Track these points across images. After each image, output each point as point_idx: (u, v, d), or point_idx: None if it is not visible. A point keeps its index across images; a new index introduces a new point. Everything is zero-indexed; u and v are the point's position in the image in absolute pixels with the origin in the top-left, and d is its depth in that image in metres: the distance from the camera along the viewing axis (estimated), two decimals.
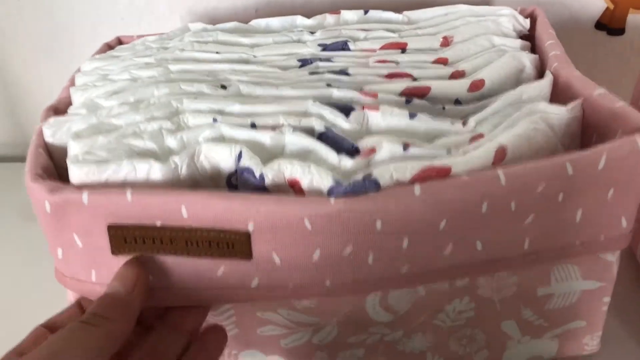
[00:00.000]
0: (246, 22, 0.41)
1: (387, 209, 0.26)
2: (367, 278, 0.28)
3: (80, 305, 0.30)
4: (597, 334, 0.35)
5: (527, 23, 0.40)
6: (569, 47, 0.53)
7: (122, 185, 0.27)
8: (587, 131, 0.32)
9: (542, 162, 0.27)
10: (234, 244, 0.27)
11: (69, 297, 0.32)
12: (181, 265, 0.28)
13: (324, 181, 0.26)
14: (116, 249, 0.28)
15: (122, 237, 0.27)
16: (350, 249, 0.27)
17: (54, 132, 0.31)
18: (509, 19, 0.40)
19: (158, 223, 0.27)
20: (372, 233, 0.26)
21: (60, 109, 0.35)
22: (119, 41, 0.45)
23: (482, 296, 0.33)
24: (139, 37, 0.44)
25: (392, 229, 0.26)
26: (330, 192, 0.26)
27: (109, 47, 0.43)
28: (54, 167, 0.31)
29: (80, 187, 0.27)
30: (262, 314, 0.32)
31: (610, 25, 0.52)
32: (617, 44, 0.53)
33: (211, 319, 0.32)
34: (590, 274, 0.33)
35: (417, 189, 0.26)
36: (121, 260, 0.28)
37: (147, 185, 0.28)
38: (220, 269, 0.28)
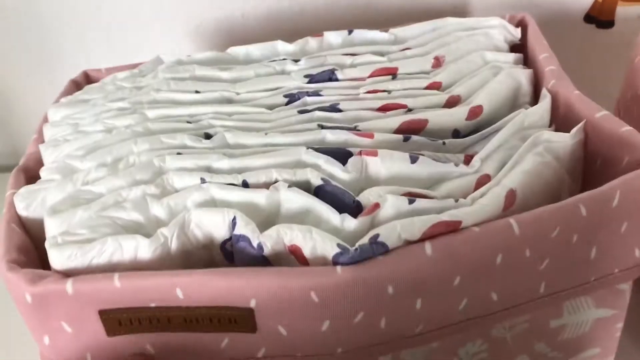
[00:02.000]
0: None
1: (398, 273, 0.24)
2: (380, 341, 0.27)
3: None
4: (610, 359, 0.35)
5: (518, 32, 0.38)
6: (559, 40, 0.52)
7: (110, 269, 0.25)
8: (591, 155, 0.31)
9: (556, 207, 0.26)
10: (236, 319, 0.25)
11: None
12: (182, 338, 0.26)
13: (328, 248, 0.25)
14: (111, 332, 0.26)
15: (116, 320, 0.25)
16: (362, 316, 0.25)
17: (28, 204, 0.28)
18: (500, 31, 0.38)
19: (152, 304, 0.25)
20: (384, 298, 0.25)
21: (30, 167, 0.32)
22: (87, 76, 0.41)
23: (494, 336, 0.31)
24: (107, 70, 0.41)
25: (404, 291, 0.25)
26: (336, 260, 0.25)
27: (76, 84, 0.40)
28: (31, 241, 0.28)
29: (64, 275, 0.25)
30: None
31: (599, 17, 0.52)
32: (606, 37, 0.53)
33: None
34: (603, 303, 0.32)
35: (428, 247, 0.25)
36: (119, 340, 0.26)
37: (135, 266, 0.25)
38: (224, 341, 0.26)
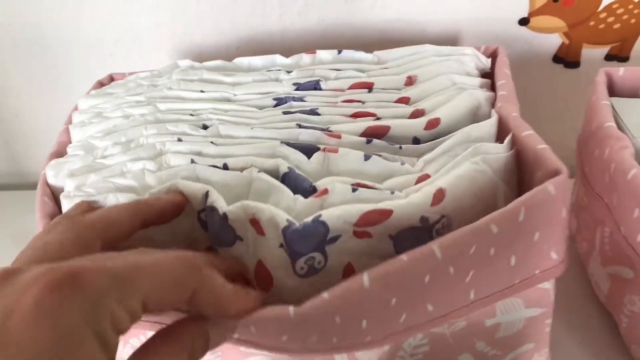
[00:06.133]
0: (228, 58, 0.45)
1: (341, 308, 0.28)
2: (334, 348, 0.30)
3: None
4: (544, 351, 0.38)
5: (488, 62, 0.43)
6: (530, 78, 0.57)
7: None
8: (524, 167, 0.34)
9: (470, 229, 0.29)
10: None
11: None
12: None
13: (279, 222, 0.29)
14: None
15: None
16: (315, 338, 0.29)
17: (56, 173, 0.35)
18: (471, 58, 0.43)
19: None
20: (333, 326, 0.28)
21: (61, 152, 0.39)
22: (111, 78, 0.48)
23: (434, 332, 0.34)
24: (131, 74, 0.48)
25: (349, 319, 0.28)
26: (284, 231, 0.29)
27: (101, 84, 0.47)
28: (59, 210, 0.35)
29: None
30: (245, 349, 0.34)
31: (566, 58, 0.56)
32: (573, 76, 0.57)
33: None
34: (532, 303, 0.35)
35: (366, 280, 0.27)
36: None
37: None
38: None
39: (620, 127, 0.42)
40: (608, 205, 0.40)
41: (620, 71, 0.46)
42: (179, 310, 0.28)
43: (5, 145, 0.65)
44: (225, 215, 0.31)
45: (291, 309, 0.27)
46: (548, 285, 0.35)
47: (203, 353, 0.26)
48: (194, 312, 0.27)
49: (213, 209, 0.31)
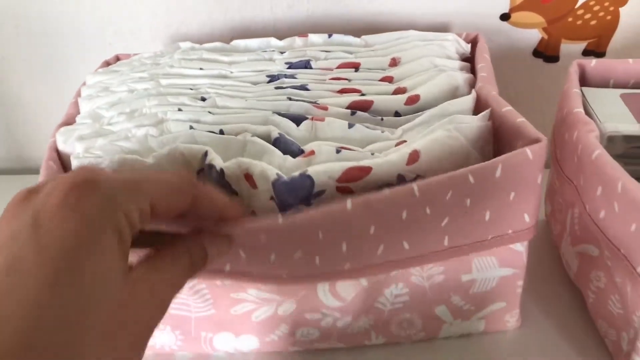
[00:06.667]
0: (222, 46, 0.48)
1: (325, 223, 0.31)
2: (316, 273, 0.33)
3: None
4: (515, 312, 0.41)
5: (468, 47, 0.46)
6: (511, 72, 0.60)
7: None
8: (503, 141, 0.37)
9: (448, 175, 0.32)
10: None
11: None
12: None
13: (269, 175, 0.32)
14: None
15: None
16: (300, 254, 0.32)
17: (65, 139, 0.38)
18: (452, 44, 0.46)
19: None
20: (316, 240, 0.32)
21: (69, 123, 0.42)
22: (117, 58, 0.52)
23: (414, 283, 0.37)
24: (135, 55, 0.51)
25: (331, 237, 0.32)
26: (274, 183, 0.32)
27: (108, 64, 0.50)
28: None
29: None
30: (235, 295, 0.37)
31: (546, 53, 0.60)
32: (552, 70, 0.60)
33: (190, 300, 0.38)
34: (505, 263, 0.38)
35: (349, 203, 0.31)
36: None
37: None
38: None
39: (588, 114, 0.45)
40: (577, 186, 0.42)
41: (592, 63, 0.49)
42: (182, 217, 0.30)
43: (6, 130, 0.67)
44: (222, 171, 0.33)
45: (280, 217, 0.30)
46: (521, 248, 0.37)
47: (203, 264, 0.29)
48: (195, 220, 0.30)
49: (211, 166, 0.34)
